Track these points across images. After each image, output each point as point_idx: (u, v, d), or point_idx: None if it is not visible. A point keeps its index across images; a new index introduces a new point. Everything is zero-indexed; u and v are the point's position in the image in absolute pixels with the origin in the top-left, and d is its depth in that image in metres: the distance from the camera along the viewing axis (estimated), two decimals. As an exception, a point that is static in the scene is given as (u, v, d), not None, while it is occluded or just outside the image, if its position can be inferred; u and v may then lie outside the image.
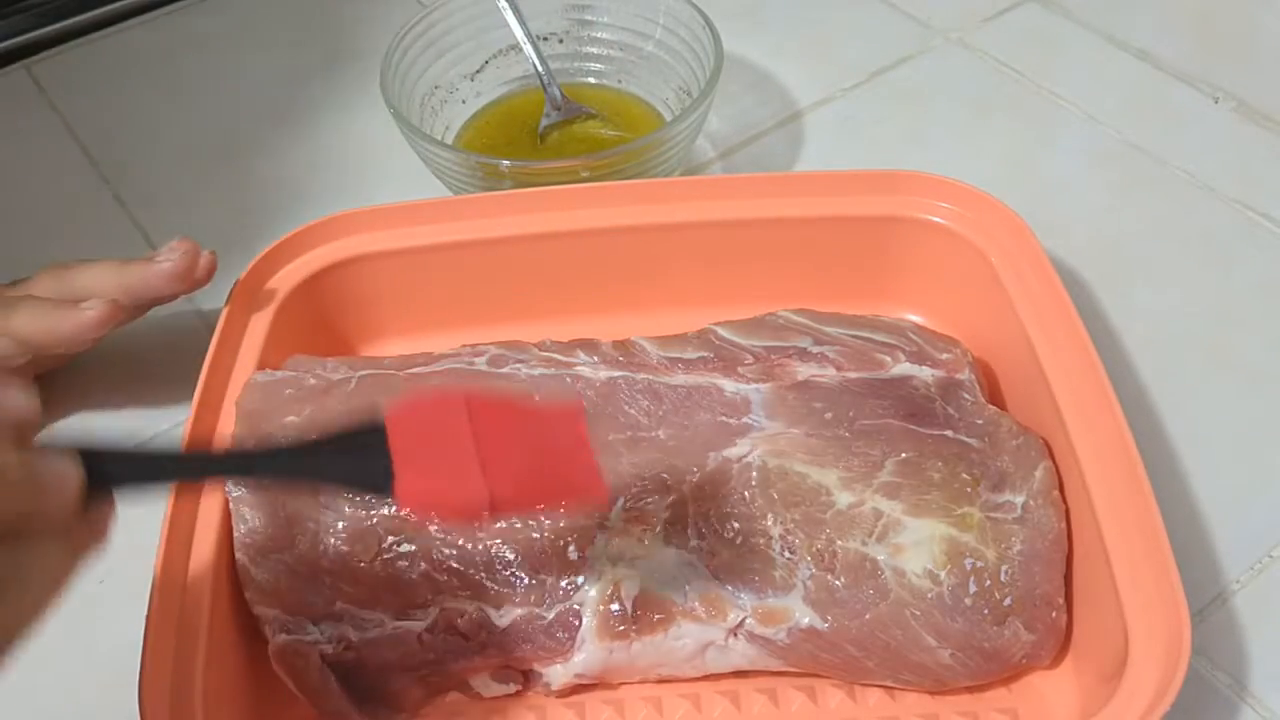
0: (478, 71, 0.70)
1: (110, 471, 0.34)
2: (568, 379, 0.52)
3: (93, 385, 0.59)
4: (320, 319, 0.57)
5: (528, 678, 0.48)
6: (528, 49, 0.68)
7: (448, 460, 0.38)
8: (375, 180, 0.69)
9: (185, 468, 0.39)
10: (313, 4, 0.83)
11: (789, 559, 0.47)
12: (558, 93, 0.69)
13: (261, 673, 0.47)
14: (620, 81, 0.72)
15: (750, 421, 0.51)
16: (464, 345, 0.55)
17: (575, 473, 0.40)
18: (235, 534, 0.47)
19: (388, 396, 0.50)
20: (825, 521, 0.48)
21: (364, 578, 0.47)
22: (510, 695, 0.48)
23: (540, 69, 0.68)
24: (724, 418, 0.51)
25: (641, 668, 0.47)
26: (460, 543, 0.47)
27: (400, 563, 0.47)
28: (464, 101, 0.70)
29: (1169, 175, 0.69)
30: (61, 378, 0.58)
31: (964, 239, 0.56)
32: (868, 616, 0.46)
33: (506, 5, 0.68)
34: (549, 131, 0.68)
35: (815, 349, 0.54)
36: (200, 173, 0.71)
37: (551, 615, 0.46)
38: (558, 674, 0.47)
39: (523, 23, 0.68)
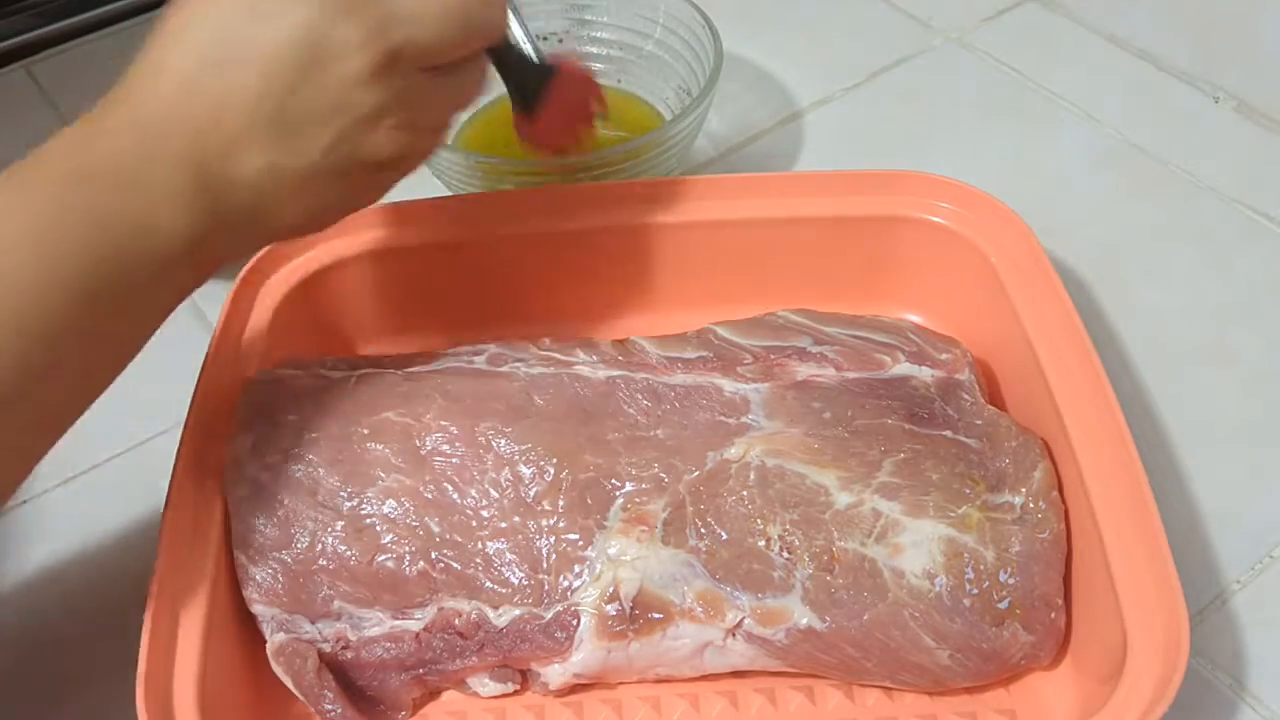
0: (478, 71, 0.70)
1: None
2: (567, 378, 0.52)
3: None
4: (320, 319, 0.57)
5: (525, 677, 0.48)
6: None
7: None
8: (375, 180, 0.69)
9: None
10: (313, 4, 0.83)
11: (787, 559, 0.47)
12: (558, 93, 0.69)
13: (260, 671, 0.47)
14: (620, 81, 0.71)
15: (749, 421, 0.51)
16: (464, 345, 0.55)
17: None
18: (234, 533, 0.47)
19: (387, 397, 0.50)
20: (824, 522, 0.48)
21: (362, 577, 0.47)
22: (508, 695, 0.48)
23: (540, 69, 0.68)
24: (723, 417, 0.51)
25: (639, 668, 0.47)
26: (459, 541, 0.47)
27: (398, 562, 0.47)
28: (464, 101, 0.70)
29: (1169, 175, 0.69)
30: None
31: (964, 239, 0.56)
32: (866, 617, 0.46)
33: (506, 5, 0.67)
34: (549, 131, 0.68)
35: (815, 349, 0.53)
36: (200, 172, 0.71)
37: (549, 615, 0.46)
38: (555, 674, 0.47)
39: (523, 23, 0.68)
